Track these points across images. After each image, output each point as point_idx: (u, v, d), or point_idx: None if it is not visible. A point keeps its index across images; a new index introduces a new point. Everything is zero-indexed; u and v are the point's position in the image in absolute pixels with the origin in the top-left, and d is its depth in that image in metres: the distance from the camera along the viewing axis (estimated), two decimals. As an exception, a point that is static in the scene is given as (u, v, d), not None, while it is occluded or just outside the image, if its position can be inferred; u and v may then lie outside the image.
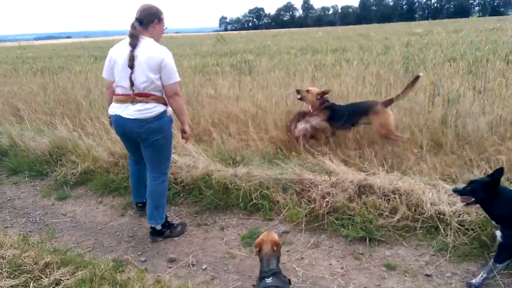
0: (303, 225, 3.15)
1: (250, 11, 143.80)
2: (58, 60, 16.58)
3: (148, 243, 3.14)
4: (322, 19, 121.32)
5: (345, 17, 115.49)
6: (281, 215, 3.32)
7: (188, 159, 4.30)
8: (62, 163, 4.70)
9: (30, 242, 3.08)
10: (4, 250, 2.81)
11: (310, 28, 56.94)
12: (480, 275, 2.37)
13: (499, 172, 2.33)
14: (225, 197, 3.63)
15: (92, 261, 2.67)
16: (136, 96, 2.90)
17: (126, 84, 2.89)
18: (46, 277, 2.46)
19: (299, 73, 7.79)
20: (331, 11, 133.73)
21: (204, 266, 2.78)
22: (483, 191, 2.35)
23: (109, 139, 4.80)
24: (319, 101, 4.48)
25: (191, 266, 2.80)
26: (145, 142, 3.05)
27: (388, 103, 4.20)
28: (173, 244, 3.10)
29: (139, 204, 3.65)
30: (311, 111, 4.55)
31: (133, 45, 2.84)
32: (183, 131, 3.24)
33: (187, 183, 3.91)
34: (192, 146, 4.60)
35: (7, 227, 3.54)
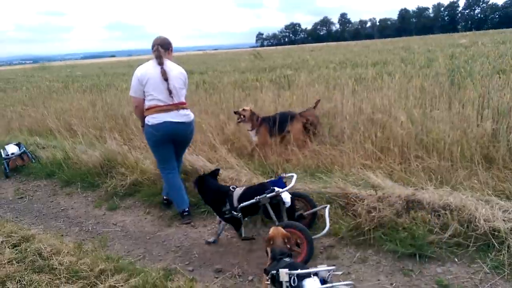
0: (349, 239, 3.11)
1: (287, 27, 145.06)
2: (105, 78, 17.48)
3: (195, 253, 3.22)
4: (359, 32, 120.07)
5: (384, 30, 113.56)
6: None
7: (231, 172, 4.39)
8: (112, 175, 4.93)
9: (85, 250, 3.26)
10: (62, 257, 2.99)
11: (347, 42, 56.51)
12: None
13: (214, 171, 3.43)
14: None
15: (144, 269, 2.77)
16: (179, 105, 3.61)
17: (165, 95, 3.55)
18: (101, 284, 2.58)
19: (339, 87, 7.76)
20: (369, 24, 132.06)
21: (250, 278, 2.81)
22: (196, 184, 3.34)
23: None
24: (255, 118, 5.10)
25: (237, 277, 2.84)
26: (186, 140, 3.89)
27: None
28: (219, 254, 3.16)
29: (185, 213, 3.79)
30: (250, 128, 5.17)
31: (162, 63, 3.59)
32: None
33: (231, 195, 3.97)
34: (234, 160, 4.70)
35: (62, 235, 3.75)
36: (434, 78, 7.72)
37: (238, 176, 4.23)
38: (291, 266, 2.13)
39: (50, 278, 2.69)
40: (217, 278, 2.85)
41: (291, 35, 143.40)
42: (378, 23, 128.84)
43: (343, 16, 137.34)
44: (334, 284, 1.98)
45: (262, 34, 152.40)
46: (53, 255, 3.01)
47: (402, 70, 9.84)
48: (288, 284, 2.05)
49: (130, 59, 47.58)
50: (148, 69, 3.58)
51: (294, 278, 2.04)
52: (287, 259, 2.26)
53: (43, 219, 4.26)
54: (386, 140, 4.62)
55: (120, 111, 7.93)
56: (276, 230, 2.55)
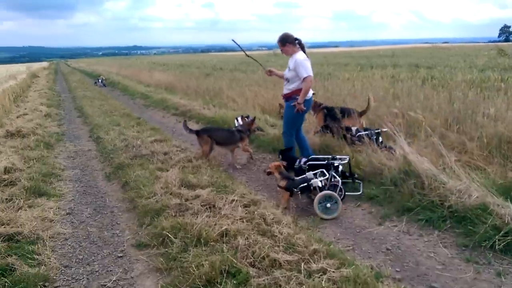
0: None
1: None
2: (328, 67, 18.24)
3: (408, 262, 2.99)
4: None
5: None
6: None
7: (459, 183, 3.84)
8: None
9: (299, 226, 3.49)
10: (281, 227, 3.28)
11: None
12: None
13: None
14: (508, 238, 3.03)
15: (354, 262, 2.75)
16: None
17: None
18: (315, 263, 2.70)
19: None
20: None
21: (474, 311, 2.41)
22: None
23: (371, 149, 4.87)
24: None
25: (458, 304, 2.48)
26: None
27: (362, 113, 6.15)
28: (437, 272, 2.84)
29: None
30: None
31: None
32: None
33: (456, 210, 3.49)
34: (463, 171, 4.10)
35: (278, 205, 4.10)
36: None
37: (467, 190, 3.68)
38: (309, 178, 3.99)
39: (271, 243, 2.99)
40: (432, 297, 2.57)
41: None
42: None
43: None
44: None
45: (509, 27, 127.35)
46: (274, 223, 3.35)
47: None
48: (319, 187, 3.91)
49: (353, 49, 48.13)
50: (306, 56, 4.79)
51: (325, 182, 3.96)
52: (297, 178, 4.12)
53: (266, 188, 4.80)
54: None
55: (340, 100, 8.11)
56: (276, 163, 4.27)
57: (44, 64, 65.04)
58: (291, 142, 5.12)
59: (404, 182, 4.04)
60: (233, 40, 5.32)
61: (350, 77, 11.93)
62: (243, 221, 3.44)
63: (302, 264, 2.68)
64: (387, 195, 4.06)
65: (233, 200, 3.86)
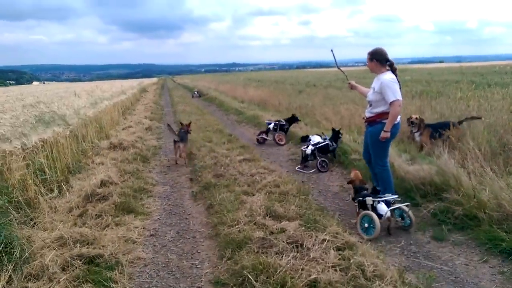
0: None
1: None
2: (435, 84, 16.56)
3: None
4: None
5: None
6: None
7: None
8: (439, 197, 4.28)
9: (407, 282, 2.82)
10: (385, 285, 2.66)
11: None
12: None
13: None
14: None
15: None
16: None
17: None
18: None
19: None
20: None
21: None
22: None
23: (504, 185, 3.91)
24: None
25: None
26: None
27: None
28: None
29: None
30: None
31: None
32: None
33: None
34: None
35: (382, 251, 3.45)
36: None
37: None
38: (369, 195, 3.93)
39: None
40: None
41: None
42: None
43: None
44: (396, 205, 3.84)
45: None
46: (375, 278, 2.74)
47: None
48: (370, 206, 3.86)
49: (461, 65, 43.60)
50: (394, 77, 4.25)
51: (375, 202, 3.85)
52: (365, 192, 4.07)
53: (363, 225, 4.15)
54: None
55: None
56: (355, 174, 4.45)
57: (154, 80, 71.69)
58: (386, 176, 4.48)
59: None
60: (331, 51, 4.98)
61: (463, 96, 10.48)
62: (335, 270, 2.89)
63: None
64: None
65: (324, 240, 3.33)
